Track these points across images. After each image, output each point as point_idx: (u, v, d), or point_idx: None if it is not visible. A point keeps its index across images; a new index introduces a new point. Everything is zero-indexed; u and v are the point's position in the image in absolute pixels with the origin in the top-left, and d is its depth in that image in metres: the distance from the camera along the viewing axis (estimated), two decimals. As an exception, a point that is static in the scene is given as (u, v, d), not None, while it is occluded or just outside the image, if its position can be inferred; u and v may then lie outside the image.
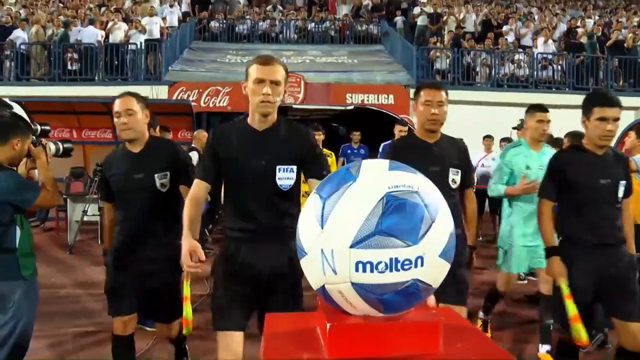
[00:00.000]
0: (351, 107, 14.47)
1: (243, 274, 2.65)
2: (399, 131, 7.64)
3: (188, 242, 2.48)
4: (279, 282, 2.65)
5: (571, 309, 3.09)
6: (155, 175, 3.32)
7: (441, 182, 3.09)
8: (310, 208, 1.25)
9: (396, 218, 1.15)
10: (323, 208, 1.20)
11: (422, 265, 1.16)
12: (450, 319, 1.32)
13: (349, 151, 10.69)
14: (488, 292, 4.88)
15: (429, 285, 1.21)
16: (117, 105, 3.32)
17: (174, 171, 3.34)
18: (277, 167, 2.62)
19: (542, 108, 4.56)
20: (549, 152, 4.46)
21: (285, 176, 2.64)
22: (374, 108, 14.17)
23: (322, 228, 1.18)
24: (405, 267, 1.15)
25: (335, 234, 1.16)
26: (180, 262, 2.90)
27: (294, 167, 2.66)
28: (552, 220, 3.45)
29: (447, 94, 3.44)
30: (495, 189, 4.57)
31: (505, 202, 4.80)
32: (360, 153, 10.61)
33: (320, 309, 1.33)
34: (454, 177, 3.38)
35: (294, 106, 14.29)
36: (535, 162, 4.46)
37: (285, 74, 2.67)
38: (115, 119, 3.32)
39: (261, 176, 2.62)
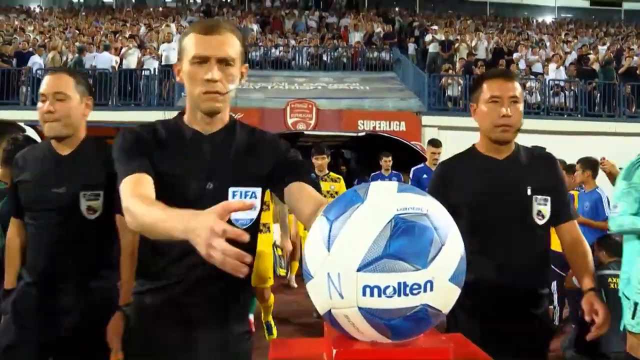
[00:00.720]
0: (363, 134, 14.50)
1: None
2: (431, 153, 7.07)
3: (205, 215, 1.26)
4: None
5: None
6: (81, 194, 2.31)
7: (522, 217, 2.32)
8: (316, 230, 1.22)
9: (405, 241, 1.12)
10: (330, 230, 1.18)
11: (431, 289, 1.14)
12: (460, 346, 1.29)
13: (379, 180, 9.04)
14: None
15: (438, 310, 1.18)
16: (44, 85, 2.35)
17: (110, 191, 2.15)
18: (232, 191, 1.75)
19: None
20: None
21: None
22: (386, 135, 14.19)
23: (329, 251, 1.16)
24: (414, 291, 1.12)
25: (342, 257, 1.14)
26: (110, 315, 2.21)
27: (257, 191, 1.77)
28: None
29: (521, 87, 2.42)
30: (622, 222, 3.08)
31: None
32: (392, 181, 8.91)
33: (327, 334, 1.30)
34: (541, 207, 2.32)
35: (305, 132, 14.34)
36: None
37: (241, 46, 1.76)
38: (40, 104, 2.35)
39: (205, 205, 1.48)
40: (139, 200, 1.54)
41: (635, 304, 3.00)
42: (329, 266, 1.16)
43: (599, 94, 15.40)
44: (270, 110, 14.28)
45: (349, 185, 7.32)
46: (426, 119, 14.37)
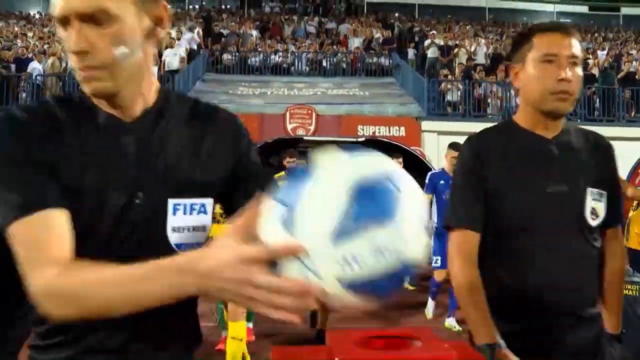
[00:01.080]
0: (362, 139, 14.50)
1: None
2: (451, 157, 6.46)
3: (217, 246, 0.94)
4: None
5: None
6: None
7: (572, 213, 1.80)
8: (273, 217, 1.12)
9: (367, 203, 1.09)
10: (289, 212, 1.15)
11: (403, 243, 1.11)
12: (463, 353, 1.28)
13: None
14: None
15: (414, 262, 1.15)
16: None
17: None
18: (172, 204, 1.20)
19: None
20: None
21: (185, 224, 1.20)
22: (385, 140, 14.20)
23: (293, 234, 1.13)
24: (389, 249, 1.10)
25: (309, 236, 1.11)
26: None
27: (207, 204, 1.23)
28: None
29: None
30: None
31: None
32: None
33: (328, 342, 1.29)
34: (596, 204, 1.81)
35: (305, 138, 14.35)
36: None
37: None
38: None
39: (134, 226, 1.15)
40: (69, 268, 1.00)
41: None
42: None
43: (598, 99, 15.44)
44: (270, 115, 14.31)
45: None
46: (426, 124, 14.38)
